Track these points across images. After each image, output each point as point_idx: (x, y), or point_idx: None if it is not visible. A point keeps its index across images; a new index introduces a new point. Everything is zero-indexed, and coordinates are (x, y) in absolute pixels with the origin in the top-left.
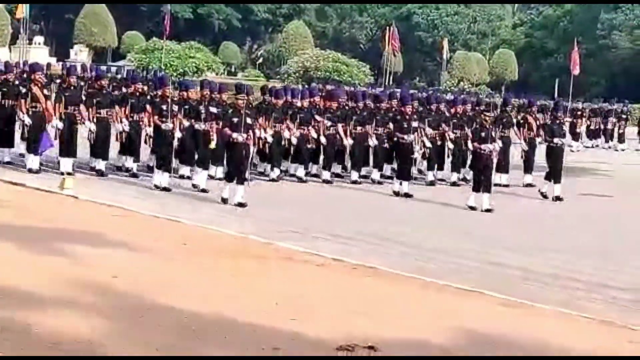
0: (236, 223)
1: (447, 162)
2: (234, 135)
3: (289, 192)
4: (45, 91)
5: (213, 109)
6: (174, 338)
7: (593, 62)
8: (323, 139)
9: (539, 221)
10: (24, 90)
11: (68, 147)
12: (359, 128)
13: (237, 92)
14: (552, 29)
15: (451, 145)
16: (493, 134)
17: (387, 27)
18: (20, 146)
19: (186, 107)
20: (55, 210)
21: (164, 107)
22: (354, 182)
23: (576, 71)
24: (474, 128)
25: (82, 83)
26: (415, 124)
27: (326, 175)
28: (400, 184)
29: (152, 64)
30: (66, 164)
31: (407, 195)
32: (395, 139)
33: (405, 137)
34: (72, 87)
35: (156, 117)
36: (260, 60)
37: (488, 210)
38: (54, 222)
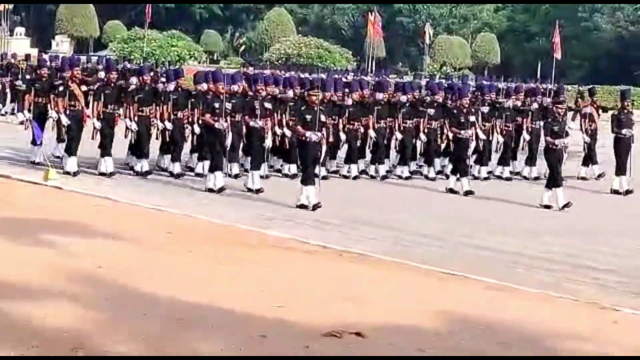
0: (221, 211)
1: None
2: (308, 134)
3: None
4: (83, 87)
5: (268, 105)
6: (161, 327)
7: (575, 44)
8: (373, 133)
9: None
10: (61, 88)
11: (107, 148)
12: (408, 122)
13: (311, 88)
14: (534, 11)
15: (501, 139)
16: (565, 127)
17: (370, 13)
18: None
19: (234, 101)
20: (39, 202)
21: (217, 104)
22: (407, 177)
23: (558, 54)
24: (546, 121)
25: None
26: (472, 118)
27: (382, 170)
28: (458, 179)
29: (133, 53)
30: (108, 164)
31: (468, 192)
32: (451, 134)
33: (462, 132)
34: (111, 85)
35: (208, 115)
36: (243, 48)
37: (566, 206)
38: (39, 213)
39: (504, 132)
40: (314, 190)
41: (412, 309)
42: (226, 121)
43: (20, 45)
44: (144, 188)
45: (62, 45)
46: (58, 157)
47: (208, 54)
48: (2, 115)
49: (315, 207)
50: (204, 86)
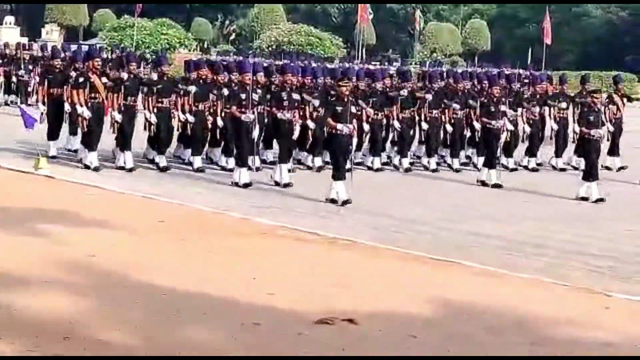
0: (212, 199)
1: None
2: (339, 126)
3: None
4: (104, 79)
5: (296, 96)
6: (153, 315)
7: (566, 30)
8: (397, 124)
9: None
10: (80, 80)
11: (126, 141)
12: (434, 112)
13: (341, 78)
14: None
15: (527, 129)
16: (602, 116)
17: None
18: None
19: (258, 92)
20: (30, 191)
21: (244, 95)
22: (434, 170)
23: (548, 40)
24: (581, 111)
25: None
26: (503, 107)
27: (405, 162)
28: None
29: (124, 41)
30: (127, 158)
31: (496, 185)
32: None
33: (494, 122)
34: (131, 76)
35: (234, 107)
36: (233, 36)
37: (601, 200)
38: (29, 202)
39: (531, 121)
40: (343, 185)
41: (404, 295)
42: (253, 113)
43: (9, 34)
44: (135, 177)
45: (52, 34)
46: (70, 150)
47: (198, 42)
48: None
49: (345, 203)
50: (225, 77)
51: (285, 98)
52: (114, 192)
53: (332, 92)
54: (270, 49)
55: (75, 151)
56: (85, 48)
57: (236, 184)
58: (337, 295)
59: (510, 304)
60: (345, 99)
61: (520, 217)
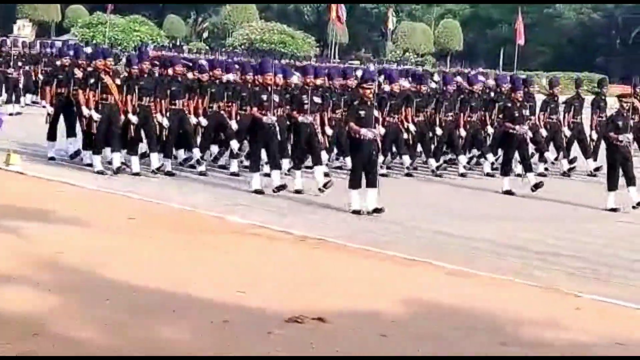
0: (184, 196)
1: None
2: (363, 131)
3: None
4: (117, 81)
5: (317, 99)
6: (123, 313)
7: (538, 31)
8: (413, 127)
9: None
10: (92, 80)
11: (150, 142)
12: (449, 115)
13: (365, 80)
14: None
15: (544, 133)
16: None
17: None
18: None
19: (287, 96)
20: (1, 187)
21: (265, 96)
22: (463, 174)
23: (521, 41)
24: (609, 116)
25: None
26: (526, 112)
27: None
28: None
29: (96, 38)
30: (154, 158)
31: (508, 192)
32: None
33: (517, 127)
34: (145, 76)
35: (255, 109)
36: (206, 33)
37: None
38: (0, 198)
39: (549, 125)
40: (376, 192)
41: (374, 294)
42: (274, 115)
43: None
44: (105, 174)
45: (23, 30)
46: (76, 154)
47: (170, 39)
48: None
49: (378, 210)
50: (246, 76)
51: (306, 101)
52: (85, 188)
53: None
54: (242, 46)
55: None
56: (59, 44)
57: (258, 192)
58: (308, 294)
59: (481, 304)
60: (369, 103)
61: (493, 217)
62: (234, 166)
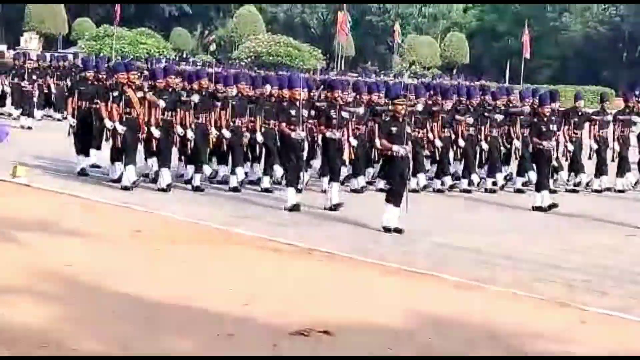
0: (190, 209)
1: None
2: (395, 148)
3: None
4: (139, 94)
5: (345, 114)
6: (129, 325)
7: (544, 44)
8: (438, 142)
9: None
10: (115, 94)
11: (166, 157)
12: (471, 129)
13: (397, 96)
14: (503, 11)
15: (571, 147)
16: None
17: (339, 11)
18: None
19: (312, 110)
20: (7, 199)
21: (293, 111)
22: (491, 190)
23: (527, 54)
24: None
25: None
26: (554, 127)
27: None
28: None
29: (103, 50)
30: (166, 175)
31: (552, 206)
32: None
33: (545, 143)
34: (169, 90)
35: (283, 123)
36: (212, 46)
37: None
38: (6, 210)
39: (574, 139)
40: (398, 211)
41: (381, 307)
42: (303, 130)
43: None
44: (113, 186)
45: (30, 42)
46: (96, 166)
47: (177, 51)
48: (13, 119)
49: (398, 231)
50: (267, 89)
51: (334, 116)
52: (91, 200)
53: (378, 109)
54: (249, 59)
55: (98, 166)
56: (71, 57)
57: (294, 209)
58: (313, 307)
59: (486, 317)
60: (401, 119)
61: (502, 230)
62: (266, 182)
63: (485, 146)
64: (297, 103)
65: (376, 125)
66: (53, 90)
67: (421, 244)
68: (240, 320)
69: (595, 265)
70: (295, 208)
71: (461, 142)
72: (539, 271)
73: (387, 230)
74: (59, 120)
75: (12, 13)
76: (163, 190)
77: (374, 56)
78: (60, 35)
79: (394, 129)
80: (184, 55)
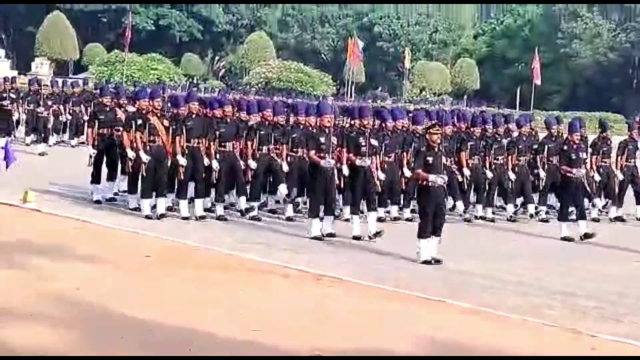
0: (200, 234)
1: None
2: (431, 177)
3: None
4: (165, 122)
5: (374, 142)
6: (138, 350)
7: (554, 71)
8: (468, 172)
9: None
10: (139, 121)
11: (197, 187)
12: (500, 158)
13: (432, 125)
14: (513, 38)
15: (597, 177)
16: None
17: (350, 37)
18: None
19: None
20: (18, 224)
21: (322, 139)
22: (511, 219)
23: (538, 81)
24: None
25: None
26: (584, 155)
27: (484, 211)
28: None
29: (114, 76)
30: (199, 205)
31: (587, 235)
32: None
33: (574, 171)
34: (193, 116)
35: (313, 151)
36: (223, 71)
37: None
38: (17, 235)
39: (600, 169)
40: (435, 242)
41: (388, 333)
42: (332, 158)
43: (0, 67)
44: (123, 212)
45: (41, 68)
46: (116, 194)
47: (188, 77)
48: (27, 145)
49: (437, 261)
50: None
51: (363, 144)
52: (101, 226)
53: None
54: (259, 85)
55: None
56: (71, 81)
57: (319, 238)
58: (323, 333)
59: (495, 343)
60: (437, 148)
61: (507, 255)
62: (290, 211)
63: (513, 176)
64: (327, 130)
65: (404, 154)
66: (68, 116)
67: (434, 270)
68: (250, 345)
69: (607, 292)
70: (318, 239)
71: (489, 174)
72: (550, 298)
73: (427, 263)
74: (72, 146)
75: (23, 38)
76: (221, 218)
77: (384, 82)
78: (71, 60)
79: (429, 158)
80: (195, 81)
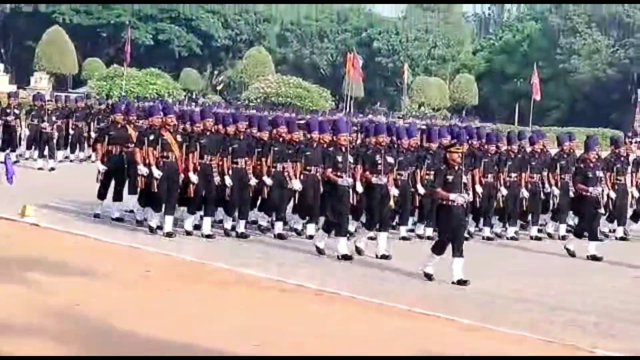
0: (199, 249)
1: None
2: (452, 196)
3: None
4: (178, 137)
5: (390, 159)
6: None
7: (553, 86)
8: (480, 189)
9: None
10: (152, 137)
11: (207, 205)
12: (513, 175)
13: (453, 144)
14: (512, 53)
15: (613, 194)
16: None
17: (349, 53)
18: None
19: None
20: (16, 238)
21: (340, 157)
22: (513, 237)
23: (537, 96)
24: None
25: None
26: (600, 173)
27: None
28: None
29: (113, 90)
30: (207, 224)
31: (594, 257)
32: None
33: (591, 189)
34: (208, 133)
35: (329, 169)
36: (221, 86)
37: None
38: (15, 249)
39: (615, 186)
40: (462, 262)
41: (386, 349)
42: (350, 177)
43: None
44: (122, 227)
45: (40, 82)
46: (131, 211)
47: (187, 92)
48: (25, 159)
49: (463, 282)
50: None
51: (379, 161)
52: (100, 240)
53: (429, 155)
54: (258, 100)
55: (131, 211)
56: (74, 96)
57: (346, 257)
58: (322, 347)
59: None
60: (457, 167)
61: (507, 271)
62: (310, 228)
63: (525, 193)
64: (344, 149)
65: (418, 171)
66: (70, 131)
67: (434, 285)
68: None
69: (606, 307)
70: (347, 257)
71: (503, 191)
72: (550, 313)
73: (427, 276)
74: (80, 160)
75: (22, 53)
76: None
77: (383, 97)
78: (70, 75)
79: (450, 177)
80: (193, 96)
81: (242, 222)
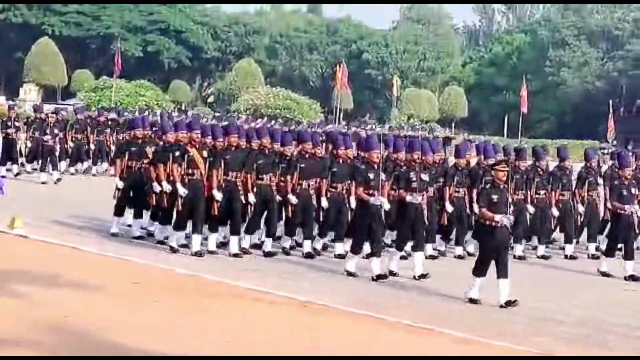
0: (188, 261)
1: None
2: (497, 217)
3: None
4: (204, 153)
5: (425, 176)
6: None
7: (542, 98)
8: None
9: None
10: (177, 153)
11: (234, 223)
12: (542, 192)
13: (498, 162)
14: (501, 66)
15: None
16: None
17: (338, 65)
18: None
19: (395, 173)
20: (4, 250)
21: (372, 175)
22: (520, 257)
23: (525, 109)
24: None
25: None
26: (634, 190)
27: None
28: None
29: (102, 102)
30: (235, 243)
31: (634, 278)
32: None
33: (626, 207)
34: (232, 148)
35: (361, 188)
36: (211, 98)
37: None
38: (3, 262)
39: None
40: (506, 284)
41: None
42: (383, 195)
43: None
44: (110, 239)
45: (30, 94)
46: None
47: (176, 103)
48: (27, 172)
49: (511, 303)
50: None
51: (414, 179)
52: (89, 252)
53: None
54: (247, 111)
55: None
56: (70, 108)
57: (381, 277)
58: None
59: None
60: (502, 186)
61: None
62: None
63: (531, 209)
64: (375, 166)
65: (446, 188)
66: (70, 144)
67: (426, 297)
68: None
69: (592, 319)
70: (382, 277)
71: (530, 209)
72: (538, 325)
73: (472, 301)
74: (93, 175)
75: (11, 64)
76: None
77: (373, 109)
78: (59, 86)
79: (494, 196)
80: (183, 107)
81: (268, 241)
